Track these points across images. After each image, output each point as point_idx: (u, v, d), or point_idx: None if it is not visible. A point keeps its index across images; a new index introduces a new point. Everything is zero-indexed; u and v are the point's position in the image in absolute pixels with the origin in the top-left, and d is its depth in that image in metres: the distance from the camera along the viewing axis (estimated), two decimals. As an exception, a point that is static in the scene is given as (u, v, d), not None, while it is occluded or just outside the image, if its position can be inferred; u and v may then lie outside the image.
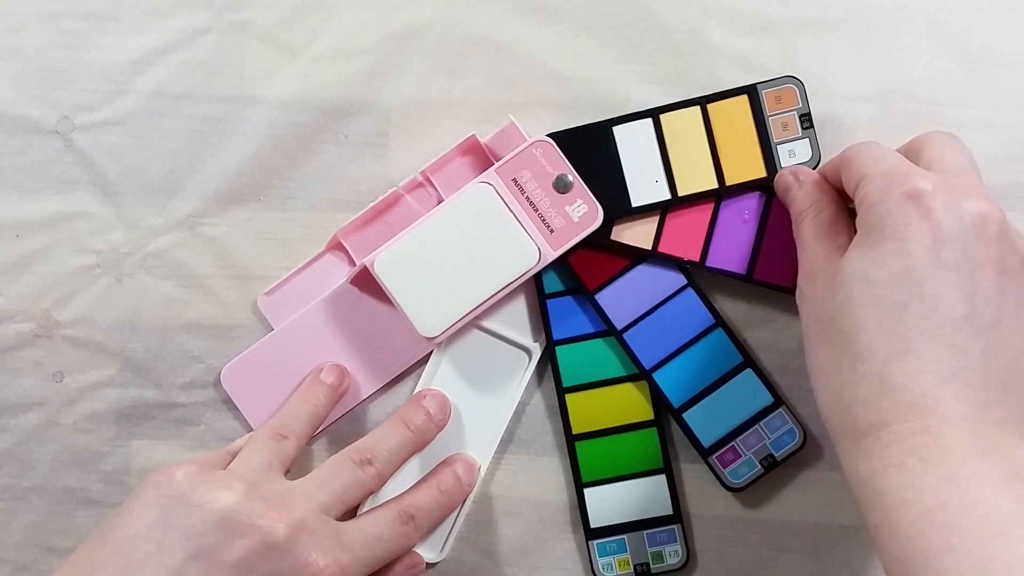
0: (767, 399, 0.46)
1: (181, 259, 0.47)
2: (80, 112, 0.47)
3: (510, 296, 0.46)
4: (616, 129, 0.45)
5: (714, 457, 0.46)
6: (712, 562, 0.47)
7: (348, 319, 0.46)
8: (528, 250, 0.43)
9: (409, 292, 0.43)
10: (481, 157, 0.46)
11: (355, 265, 0.46)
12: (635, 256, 0.46)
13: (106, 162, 0.47)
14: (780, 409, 0.46)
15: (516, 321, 0.47)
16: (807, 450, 0.47)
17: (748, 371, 0.46)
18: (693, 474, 0.47)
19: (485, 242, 0.43)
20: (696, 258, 0.45)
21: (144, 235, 0.47)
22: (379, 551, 0.41)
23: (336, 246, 0.47)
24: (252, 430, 0.46)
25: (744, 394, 0.46)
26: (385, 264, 0.43)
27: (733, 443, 0.46)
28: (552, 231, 0.44)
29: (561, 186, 0.44)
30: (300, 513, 0.39)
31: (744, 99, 0.45)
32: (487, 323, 0.46)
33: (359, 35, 0.48)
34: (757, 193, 0.46)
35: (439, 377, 0.46)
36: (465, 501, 0.46)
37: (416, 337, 0.43)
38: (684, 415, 0.46)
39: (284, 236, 0.47)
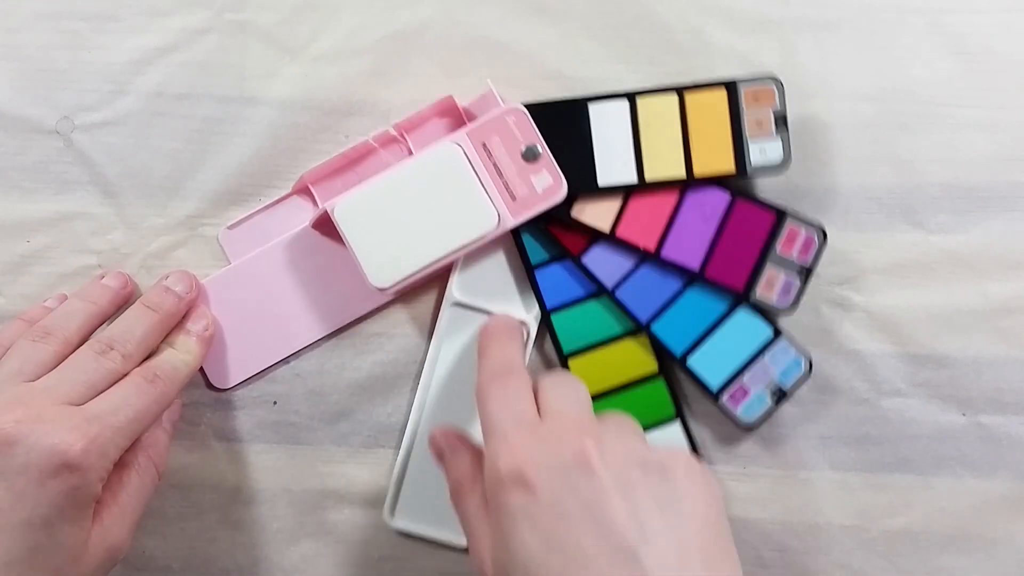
0: (768, 332, 0.46)
1: (182, 259, 0.47)
2: (80, 112, 0.47)
3: (498, 275, 0.46)
4: (592, 107, 0.45)
5: (724, 398, 0.46)
6: (712, 562, 0.47)
7: (305, 262, 0.47)
8: (488, 215, 0.43)
9: (365, 241, 0.43)
10: (456, 119, 0.46)
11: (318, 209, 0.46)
12: (593, 235, 0.46)
13: (106, 162, 0.47)
14: (782, 340, 0.46)
15: (508, 297, 0.47)
16: (807, 451, 0.47)
17: (743, 308, 0.46)
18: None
19: (447, 202, 0.43)
20: (652, 247, 0.45)
21: (145, 235, 0.47)
22: (131, 411, 0.40)
23: (303, 189, 0.47)
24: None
25: (744, 331, 0.46)
26: (345, 210, 0.43)
27: (741, 381, 0.46)
28: (515, 199, 0.44)
29: (529, 156, 0.44)
30: (35, 408, 0.38)
31: (722, 92, 0.45)
32: (480, 303, 0.46)
33: (359, 35, 0.48)
34: (724, 192, 0.46)
35: (440, 364, 0.47)
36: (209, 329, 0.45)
37: (368, 288, 0.43)
38: (688, 362, 0.46)
39: (284, 236, 0.47)
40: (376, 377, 0.48)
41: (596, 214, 0.45)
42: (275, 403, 0.47)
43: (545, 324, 0.47)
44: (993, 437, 0.47)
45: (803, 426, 0.47)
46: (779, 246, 0.45)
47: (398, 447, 0.47)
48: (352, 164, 0.46)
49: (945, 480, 0.47)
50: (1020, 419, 0.47)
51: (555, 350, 0.47)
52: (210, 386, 0.47)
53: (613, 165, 0.45)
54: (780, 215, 0.45)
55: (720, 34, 0.47)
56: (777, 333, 0.46)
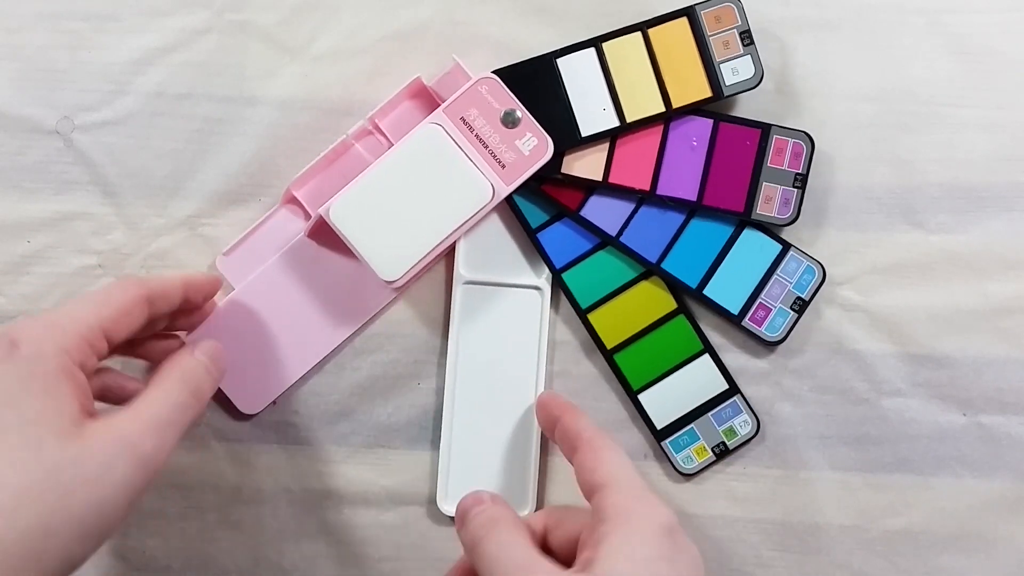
0: (776, 248, 0.46)
1: (182, 259, 0.47)
2: (80, 112, 0.47)
3: (501, 245, 0.47)
4: (560, 61, 0.45)
5: (747, 319, 0.46)
6: (712, 562, 0.47)
7: (309, 272, 0.46)
8: (481, 187, 0.43)
9: (367, 238, 0.43)
10: (428, 100, 0.46)
11: (310, 218, 0.46)
12: (587, 187, 0.46)
13: (106, 162, 0.47)
14: (791, 252, 0.46)
15: (516, 265, 0.47)
16: (807, 451, 0.47)
17: (748, 230, 0.46)
18: (697, 476, 0.47)
19: (438, 182, 0.43)
20: (647, 187, 0.46)
21: (145, 235, 0.47)
22: (94, 300, 0.38)
23: (290, 200, 0.47)
24: (233, 405, 0.46)
25: (753, 252, 0.46)
26: (340, 211, 0.43)
27: (760, 299, 0.46)
28: (504, 166, 0.44)
29: (509, 121, 0.44)
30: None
31: (684, 21, 0.45)
32: (490, 277, 0.47)
33: (359, 35, 0.48)
34: (705, 119, 0.46)
35: (463, 344, 0.46)
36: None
37: (378, 283, 0.43)
38: (704, 292, 0.46)
39: (284, 236, 0.47)
40: (376, 377, 0.48)
41: (586, 165, 0.46)
42: (275, 403, 0.47)
43: (558, 284, 0.47)
44: (993, 437, 0.47)
45: (803, 426, 0.47)
46: (770, 159, 0.46)
47: (402, 447, 0.47)
48: (334, 165, 0.46)
49: (945, 480, 0.47)
50: (1020, 419, 0.47)
51: (572, 307, 0.47)
52: (239, 415, 0.47)
53: (592, 114, 0.45)
54: (765, 129, 0.46)
55: (720, 34, 0.47)
56: (786, 247, 0.46)
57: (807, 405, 0.47)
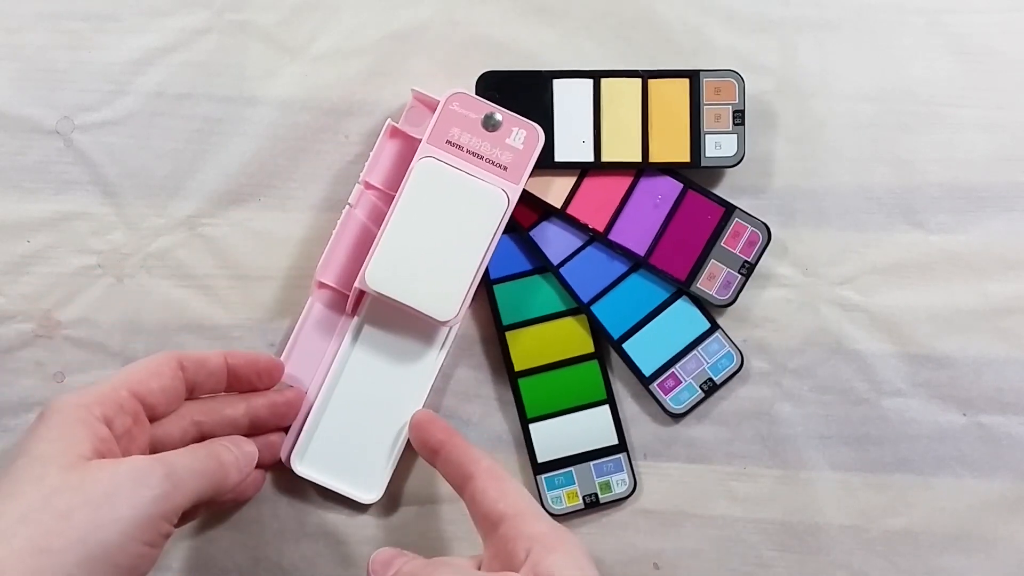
0: (704, 324, 0.46)
1: (182, 259, 0.47)
2: (80, 112, 0.47)
3: None
4: (556, 82, 0.46)
5: (655, 385, 0.46)
6: (712, 562, 0.47)
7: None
8: (495, 197, 0.44)
9: (410, 290, 0.43)
10: (407, 140, 0.46)
11: (347, 299, 0.46)
12: (544, 210, 0.46)
13: (106, 162, 0.47)
14: (716, 334, 0.46)
15: None
16: (807, 451, 0.47)
17: (683, 299, 0.47)
18: (693, 474, 0.47)
19: (453, 210, 0.43)
20: (601, 228, 0.46)
21: (145, 235, 0.47)
22: (126, 375, 0.40)
23: (320, 287, 0.46)
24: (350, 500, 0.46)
25: (681, 321, 0.47)
26: (375, 276, 0.43)
27: (673, 370, 0.46)
28: (505, 168, 0.44)
29: (490, 125, 0.44)
30: None
31: (685, 82, 0.46)
32: None
33: (359, 35, 0.48)
34: (676, 182, 0.46)
35: (372, 319, 0.46)
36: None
37: (439, 326, 0.44)
38: (624, 345, 0.46)
39: (284, 236, 0.47)
40: (376, 377, 0.48)
41: (549, 190, 0.46)
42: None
43: (487, 293, 0.47)
44: (993, 437, 0.47)
45: (803, 426, 0.47)
46: (724, 239, 0.46)
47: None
48: (345, 239, 0.46)
49: (945, 480, 0.47)
50: (1020, 419, 0.47)
51: (494, 321, 0.47)
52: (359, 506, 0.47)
53: (571, 142, 0.46)
54: (729, 210, 0.46)
55: (720, 34, 0.47)
56: (714, 326, 0.46)
57: (807, 405, 0.47)
